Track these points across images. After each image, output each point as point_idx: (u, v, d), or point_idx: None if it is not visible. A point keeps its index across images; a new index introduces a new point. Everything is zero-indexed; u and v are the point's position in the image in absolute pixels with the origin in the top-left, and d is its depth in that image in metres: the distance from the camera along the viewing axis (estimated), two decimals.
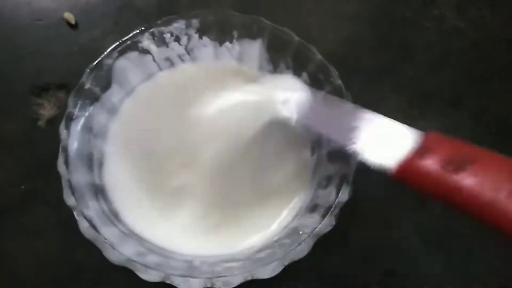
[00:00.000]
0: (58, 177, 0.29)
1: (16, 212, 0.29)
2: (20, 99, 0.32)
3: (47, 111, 0.32)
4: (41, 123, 0.31)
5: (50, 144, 0.30)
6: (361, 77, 0.35)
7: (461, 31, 0.37)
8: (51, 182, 0.29)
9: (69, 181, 0.22)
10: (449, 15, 0.38)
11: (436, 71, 0.35)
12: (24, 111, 0.32)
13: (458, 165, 0.14)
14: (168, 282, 0.20)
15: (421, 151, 0.16)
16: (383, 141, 0.19)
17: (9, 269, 0.27)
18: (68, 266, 0.27)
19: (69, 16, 0.35)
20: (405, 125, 0.19)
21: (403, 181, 0.17)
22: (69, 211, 0.28)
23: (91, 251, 0.27)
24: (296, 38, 0.25)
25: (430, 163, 0.15)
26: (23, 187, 0.29)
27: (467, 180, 0.14)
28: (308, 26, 0.37)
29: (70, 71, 0.33)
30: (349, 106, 0.22)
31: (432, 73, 0.35)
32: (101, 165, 0.25)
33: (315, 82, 0.25)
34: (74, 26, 0.35)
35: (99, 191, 0.23)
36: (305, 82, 0.26)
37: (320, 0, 0.38)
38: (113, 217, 0.23)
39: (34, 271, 0.27)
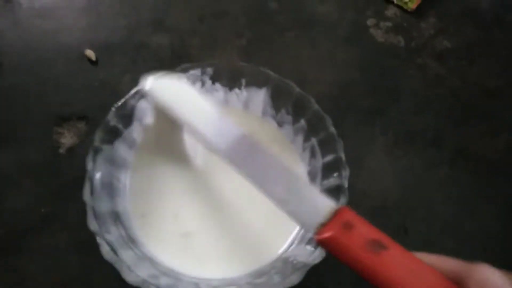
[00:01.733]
0: (77, 201, 0.31)
1: (37, 234, 0.31)
2: (44, 129, 0.35)
3: (67, 140, 0.35)
4: (62, 151, 0.34)
5: (70, 170, 0.33)
6: (352, 118, 0.38)
7: (442, 79, 0.42)
8: (70, 206, 0.32)
9: (93, 209, 0.24)
10: (431, 64, 0.42)
11: (419, 115, 0.39)
12: (47, 139, 0.34)
13: (375, 248, 0.17)
14: None
15: (346, 226, 0.18)
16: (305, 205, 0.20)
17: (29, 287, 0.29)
18: (85, 286, 0.30)
19: (90, 53, 0.39)
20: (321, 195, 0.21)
21: (324, 246, 0.18)
22: (86, 233, 0.30)
23: (107, 272, 0.29)
24: (297, 89, 0.29)
25: (356, 240, 0.17)
26: (43, 210, 0.32)
27: (382, 261, 0.17)
28: (305, 70, 0.40)
29: (90, 104, 0.37)
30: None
31: (415, 117, 0.39)
32: (120, 194, 0.28)
33: (311, 129, 0.29)
34: (94, 63, 0.39)
35: (118, 218, 0.26)
36: (302, 127, 0.29)
37: (317, 48, 0.42)
38: (130, 241, 0.25)
39: None
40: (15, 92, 0.37)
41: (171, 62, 0.39)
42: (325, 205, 0.19)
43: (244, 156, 0.22)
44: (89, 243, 0.30)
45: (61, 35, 0.40)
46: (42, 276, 0.30)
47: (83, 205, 0.31)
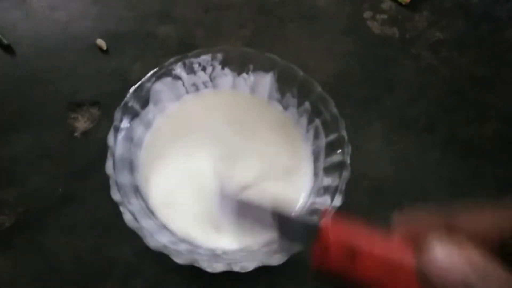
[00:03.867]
0: (92, 182, 0.33)
1: (55, 212, 0.33)
2: (59, 114, 0.37)
3: (81, 124, 0.36)
4: (76, 134, 0.36)
5: (85, 153, 0.35)
6: (350, 106, 0.40)
7: (435, 69, 0.44)
8: (86, 187, 0.34)
9: (116, 181, 0.26)
10: (424, 55, 0.45)
11: (413, 103, 0.42)
12: (62, 124, 0.36)
13: (349, 256, 0.18)
14: (196, 265, 0.25)
15: (324, 247, 0.19)
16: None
17: (49, 262, 0.31)
18: (101, 260, 0.31)
19: (101, 42, 0.40)
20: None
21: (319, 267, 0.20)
22: (102, 212, 0.32)
23: (122, 248, 0.31)
24: (301, 73, 0.31)
25: (333, 258, 0.19)
26: (61, 190, 0.33)
27: (357, 267, 0.18)
28: (306, 60, 0.42)
29: (102, 90, 0.38)
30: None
31: (410, 104, 0.41)
32: (138, 169, 0.29)
33: (315, 110, 0.31)
34: (105, 52, 0.40)
35: (137, 191, 0.28)
36: (306, 110, 0.31)
37: (317, 40, 0.44)
38: (149, 212, 0.27)
39: (71, 265, 0.31)
40: (29, 79, 0.38)
41: (178, 52, 0.41)
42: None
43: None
44: (105, 221, 0.32)
45: (72, 25, 0.42)
46: (61, 251, 0.32)
47: (98, 185, 0.33)
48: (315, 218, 0.24)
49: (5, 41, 0.39)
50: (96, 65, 0.40)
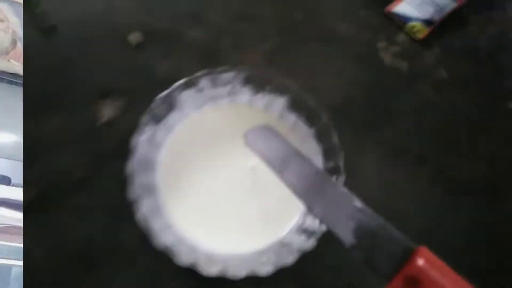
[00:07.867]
0: (109, 171, 0.36)
1: (72, 194, 0.36)
2: (86, 101, 0.39)
3: (106, 114, 0.39)
4: (101, 123, 0.39)
5: (106, 142, 0.38)
6: (351, 130, 0.43)
7: (434, 106, 0.46)
8: (103, 174, 0.37)
9: (134, 181, 0.29)
10: (428, 92, 0.47)
11: (409, 134, 0.44)
12: (88, 112, 0.39)
13: None
14: (193, 267, 0.28)
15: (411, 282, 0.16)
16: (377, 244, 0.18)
17: (61, 240, 0.34)
18: (109, 244, 0.34)
19: (134, 37, 0.43)
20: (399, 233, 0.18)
21: None
22: (115, 199, 0.35)
23: (130, 236, 0.35)
24: (312, 103, 0.34)
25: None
26: (80, 174, 0.37)
27: None
28: (317, 81, 0.44)
29: (129, 83, 0.41)
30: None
31: (406, 135, 0.44)
32: (154, 170, 0.33)
33: (319, 137, 0.34)
34: (136, 47, 0.43)
35: (152, 190, 0.32)
36: (312, 136, 0.35)
37: (329, 63, 0.47)
38: (159, 212, 0.31)
39: (81, 244, 0.34)
40: (65, 65, 0.41)
41: (203, 56, 0.44)
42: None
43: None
44: (118, 207, 0.35)
45: (109, 17, 0.44)
46: (74, 230, 0.35)
47: (114, 174, 0.36)
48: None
49: (51, 22, 0.42)
50: (127, 58, 0.42)
